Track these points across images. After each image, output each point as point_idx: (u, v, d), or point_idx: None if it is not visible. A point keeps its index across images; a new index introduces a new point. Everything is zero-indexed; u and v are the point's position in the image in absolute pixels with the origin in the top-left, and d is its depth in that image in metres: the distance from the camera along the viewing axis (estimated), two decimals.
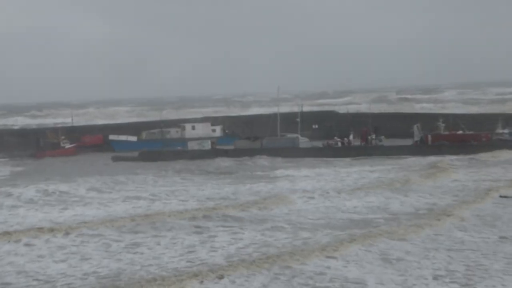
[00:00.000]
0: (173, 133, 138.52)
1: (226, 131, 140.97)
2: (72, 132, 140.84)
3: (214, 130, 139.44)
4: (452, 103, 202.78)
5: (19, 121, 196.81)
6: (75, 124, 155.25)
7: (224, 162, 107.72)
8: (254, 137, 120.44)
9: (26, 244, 49.53)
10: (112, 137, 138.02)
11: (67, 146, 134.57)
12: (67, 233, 52.26)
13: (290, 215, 58.47)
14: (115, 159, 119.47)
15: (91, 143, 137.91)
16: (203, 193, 72.71)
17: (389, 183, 75.96)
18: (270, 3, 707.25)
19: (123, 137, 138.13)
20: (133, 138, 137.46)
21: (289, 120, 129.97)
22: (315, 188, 74.20)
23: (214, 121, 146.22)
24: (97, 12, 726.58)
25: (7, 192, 76.68)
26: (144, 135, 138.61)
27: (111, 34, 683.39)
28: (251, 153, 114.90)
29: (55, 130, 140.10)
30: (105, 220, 57.04)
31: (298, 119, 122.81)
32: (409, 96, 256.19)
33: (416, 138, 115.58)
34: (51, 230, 53.18)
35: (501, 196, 66.11)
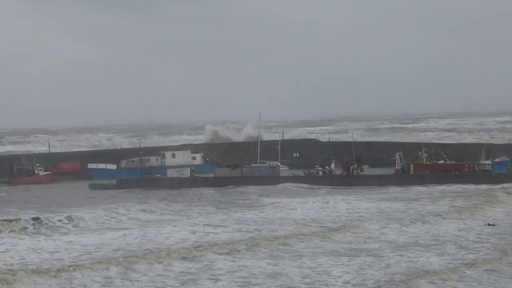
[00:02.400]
0: (153, 161, 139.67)
1: (207, 158, 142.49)
2: (49, 159, 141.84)
3: (194, 158, 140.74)
4: (436, 132, 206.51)
5: None
6: (52, 151, 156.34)
7: (207, 190, 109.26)
8: (234, 165, 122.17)
9: None
10: (90, 165, 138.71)
11: (42, 173, 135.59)
12: None
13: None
14: (93, 186, 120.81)
15: (68, 170, 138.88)
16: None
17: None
18: (260, 27, 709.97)
19: (102, 165, 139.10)
20: (112, 167, 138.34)
21: (270, 148, 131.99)
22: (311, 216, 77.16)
23: (194, 148, 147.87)
24: (75, 35, 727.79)
25: None
26: (123, 163, 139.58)
27: (88, 58, 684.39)
28: (231, 181, 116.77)
29: (30, 157, 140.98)
30: None
31: (279, 147, 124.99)
32: (396, 125, 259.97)
33: (398, 167, 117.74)
34: None
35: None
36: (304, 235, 66.46)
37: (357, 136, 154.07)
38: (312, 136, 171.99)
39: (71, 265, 54.68)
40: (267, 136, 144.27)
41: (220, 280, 51.21)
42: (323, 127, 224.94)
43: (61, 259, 57.86)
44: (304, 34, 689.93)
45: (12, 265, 55.95)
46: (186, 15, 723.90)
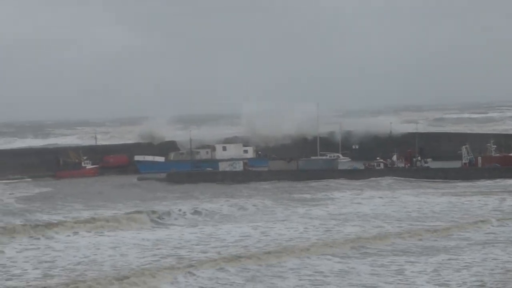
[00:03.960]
0: (203, 153, 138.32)
1: (259, 152, 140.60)
2: (95, 152, 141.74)
3: (246, 151, 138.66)
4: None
5: (37, 141, 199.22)
6: (98, 143, 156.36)
7: (261, 185, 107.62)
8: (289, 158, 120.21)
9: None
10: (137, 157, 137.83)
11: (89, 166, 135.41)
12: None
13: None
14: (141, 180, 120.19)
15: (114, 163, 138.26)
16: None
17: None
18: (315, 16, 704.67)
19: (149, 158, 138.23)
20: (161, 159, 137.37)
21: (328, 140, 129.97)
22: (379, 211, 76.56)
23: (246, 141, 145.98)
24: (120, 22, 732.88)
25: None
26: (172, 155, 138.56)
27: (133, 46, 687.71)
28: (287, 175, 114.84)
29: (77, 150, 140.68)
30: None
31: (339, 138, 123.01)
32: (464, 115, 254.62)
33: (465, 160, 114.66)
34: None
35: None
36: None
37: (420, 127, 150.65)
38: (372, 127, 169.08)
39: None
40: (325, 127, 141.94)
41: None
42: (383, 117, 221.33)
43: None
44: (358, 21, 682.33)
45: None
46: (237, 4, 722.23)
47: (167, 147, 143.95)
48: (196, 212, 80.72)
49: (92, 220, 74.72)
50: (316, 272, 53.04)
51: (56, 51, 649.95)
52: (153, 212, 78.96)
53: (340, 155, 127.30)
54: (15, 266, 56.30)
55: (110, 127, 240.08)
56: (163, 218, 77.16)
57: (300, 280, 51.15)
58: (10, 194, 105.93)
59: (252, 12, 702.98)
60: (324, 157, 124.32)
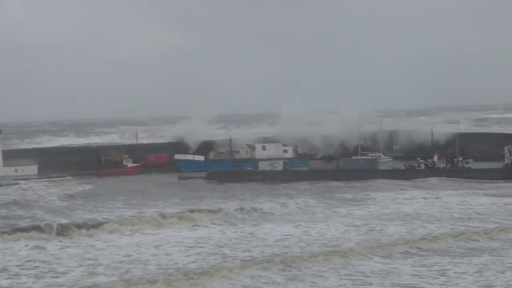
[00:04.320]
0: (243, 153, 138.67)
1: (299, 151, 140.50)
2: (137, 151, 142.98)
3: (285, 151, 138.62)
4: None
5: (79, 139, 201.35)
6: (139, 142, 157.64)
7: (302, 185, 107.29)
8: (329, 158, 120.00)
9: None
10: (177, 156, 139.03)
11: (130, 165, 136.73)
12: None
13: None
14: (182, 179, 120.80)
15: (156, 162, 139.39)
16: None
17: None
18: (353, 14, 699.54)
19: (189, 157, 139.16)
20: (200, 158, 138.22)
21: (369, 139, 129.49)
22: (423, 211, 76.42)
23: (285, 140, 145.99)
24: (158, 22, 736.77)
25: None
26: (212, 154, 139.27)
27: (171, 46, 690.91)
28: (327, 174, 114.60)
29: (119, 149, 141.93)
30: None
31: (380, 138, 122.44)
32: (509, 115, 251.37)
33: (507, 161, 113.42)
34: None
35: None
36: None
37: (462, 127, 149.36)
38: (413, 127, 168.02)
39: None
40: (366, 127, 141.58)
41: None
42: (424, 118, 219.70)
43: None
44: (397, 21, 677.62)
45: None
46: (275, 2, 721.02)
47: (207, 146, 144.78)
48: (239, 210, 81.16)
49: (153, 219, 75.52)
50: (357, 272, 52.99)
51: (98, 51, 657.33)
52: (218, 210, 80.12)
53: (382, 155, 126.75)
54: (60, 264, 56.90)
55: (151, 126, 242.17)
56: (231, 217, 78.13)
57: (341, 279, 51.15)
58: (52, 192, 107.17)
59: (292, 12, 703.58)
60: (364, 157, 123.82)
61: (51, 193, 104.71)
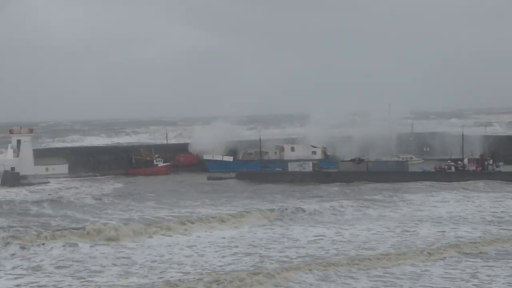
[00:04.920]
0: (271, 154, 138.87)
1: (328, 153, 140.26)
2: (167, 151, 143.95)
3: (314, 152, 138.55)
4: None
5: (109, 139, 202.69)
6: (168, 142, 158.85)
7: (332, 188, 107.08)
8: (359, 159, 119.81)
9: None
10: (207, 156, 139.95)
11: (161, 164, 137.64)
12: None
13: None
14: (211, 179, 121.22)
15: (185, 162, 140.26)
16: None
17: None
18: (386, 13, 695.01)
19: (218, 157, 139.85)
20: (229, 158, 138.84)
21: (399, 141, 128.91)
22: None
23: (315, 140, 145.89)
24: (191, 22, 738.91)
25: None
26: (240, 155, 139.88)
27: (206, 46, 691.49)
28: (356, 176, 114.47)
29: (149, 148, 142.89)
30: None
31: (411, 139, 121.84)
32: None
33: None
34: None
35: None
36: None
37: (493, 130, 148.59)
38: (443, 129, 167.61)
39: None
40: (397, 129, 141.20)
41: None
42: (455, 120, 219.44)
43: None
44: (428, 22, 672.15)
45: None
46: (308, 4, 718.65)
47: (235, 146, 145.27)
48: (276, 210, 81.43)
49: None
50: (387, 273, 53.03)
51: (127, 50, 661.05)
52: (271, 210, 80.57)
53: (413, 157, 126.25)
54: (95, 264, 57.35)
55: (181, 126, 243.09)
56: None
57: (371, 281, 51.23)
58: (83, 191, 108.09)
59: (324, 12, 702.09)
60: (394, 159, 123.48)
61: (82, 192, 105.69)
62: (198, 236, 68.09)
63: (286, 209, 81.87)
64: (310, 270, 53.13)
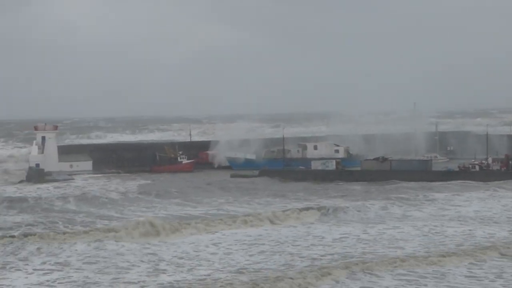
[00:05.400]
0: (294, 152, 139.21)
1: (350, 152, 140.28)
2: (190, 148, 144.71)
3: (337, 151, 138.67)
4: None
5: (133, 136, 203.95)
6: (192, 140, 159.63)
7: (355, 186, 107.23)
8: (382, 158, 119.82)
9: None
10: (229, 154, 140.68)
11: (185, 161, 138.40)
12: None
13: None
14: (234, 176, 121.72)
15: (208, 159, 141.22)
16: None
17: None
18: (408, 12, 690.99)
19: (241, 155, 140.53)
20: (252, 156, 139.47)
21: (424, 140, 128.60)
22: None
23: (335, 139, 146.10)
24: (216, 20, 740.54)
25: None
26: (263, 153, 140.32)
27: (230, 43, 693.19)
28: (379, 175, 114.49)
29: (173, 145, 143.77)
30: None
31: (437, 137, 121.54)
32: None
33: None
34: None
35: None
36: None
37: None
38: (468, 129, 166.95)
39: None
40: (422, 128, 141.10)
41: None
42: (480, 119, 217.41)
43: None
44: (450, 21, 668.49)
45: None
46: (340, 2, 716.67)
47: (258, 144, 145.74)
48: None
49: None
50: (411, 272, 53.21)
51: (150, 48, 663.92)
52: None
53: (438, 155, 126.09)
54: (123, 261, 57.66)
55: (205, 124, 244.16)
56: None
57: (394, 279, 51.43)
58: (107, 187, 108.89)
59: (354, 11, 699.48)
60: (418, 158, 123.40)
61: (106, 188, 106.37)
62: (223, 234, 68.33)
63: (326, 208, 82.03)
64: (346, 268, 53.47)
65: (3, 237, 64.05)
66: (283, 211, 78.93)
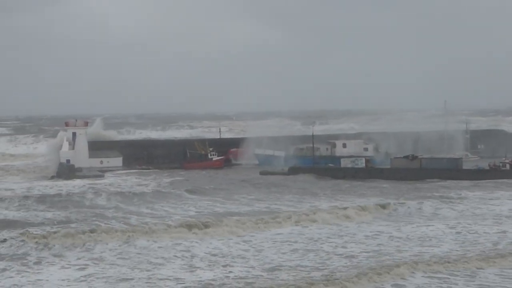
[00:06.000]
0: (323, 150, 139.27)
1: (379, 150, 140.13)
2: (220, 145, 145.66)
3: (366, 149, 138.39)
4: None
5: (164, 133, 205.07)
6: (222, 137, 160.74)
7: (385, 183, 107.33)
8: (412, 156, 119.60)
9: None
10: (258, 151, 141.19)
11: (215, 158, 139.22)
12: None
13: None
14: (264, 173, 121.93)
15: (237, 156, 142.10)
16: None
17: None
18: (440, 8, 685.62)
19: (269, 152, 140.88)
20: (280, 153, 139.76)
21: (454, 138, 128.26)
22: None
23: (366, 136, 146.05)
24: (250, 16, 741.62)
25: None
26: (292, 150, 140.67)
27: (263, 41, 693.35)
28: (409, 173, 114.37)
29: (203, 142, 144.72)
30: None
31: (467, 136, 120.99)
32: None
33: None
34: None
35: None
36: None
37: None
38: (500, 127, 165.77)
39: None
40: (452, 126, 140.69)
41: None
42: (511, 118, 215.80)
43: None
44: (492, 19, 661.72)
45: None
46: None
47: (286, 142, 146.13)
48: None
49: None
50: (439, 270, 53.24)
51: (184, 45, 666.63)
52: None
53: (469, 154, 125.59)
54: (156, 256, 58.04)
55: (235, 121, 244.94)
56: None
57: (425, 277, 51.54)
58: (138, 183, 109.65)
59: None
60: (448, 156, 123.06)
61: (136, 184, 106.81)
62: (277, 233, 68.16)
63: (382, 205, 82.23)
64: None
65: (35, 233, 64.48)
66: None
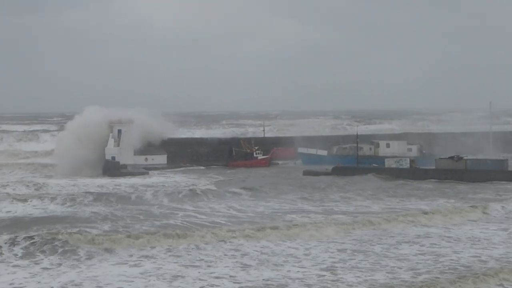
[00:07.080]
0: (366, 149, 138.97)
1: (423, 151, 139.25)
2: (265, 144, 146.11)
3: (410, 149, 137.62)
4: None
5: (210, 131, 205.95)
6: (266, 136, 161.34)
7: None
8: (457, 157, 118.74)
9: None
10: (301, 149, 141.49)
11: (261, 156, 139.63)
12: None
13: None
14: (307, 173, 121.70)
15: (281, 155, 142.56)
16: None
17: None
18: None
19: (312, 151, 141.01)
20: (323, 152, 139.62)
21: (500, 140, 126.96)
22: None
23: (410, 137, 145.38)
24: (291, 15, 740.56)
25: None
26: (335, 149, 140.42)
27: (306, 39, 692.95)
28: (454, 174, 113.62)
29: (249, 140, 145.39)
30: None
31: None
32: None
33: None
34: None
35: None
36: None
37: None
38: None
39: None
40: (498, 127, 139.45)
41: None
42: None
43: None
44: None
45: None
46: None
47: (330, 140, 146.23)
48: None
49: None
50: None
51: (230, 44, 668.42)
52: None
53: None
54: (207, 255, 57.99)
55: (279, 120, 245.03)
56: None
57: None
58: (183, 181, 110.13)
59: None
60: (493, 158, 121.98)
61: (181, 182, 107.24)
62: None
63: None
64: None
65: (83, 229, 65.05)
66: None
